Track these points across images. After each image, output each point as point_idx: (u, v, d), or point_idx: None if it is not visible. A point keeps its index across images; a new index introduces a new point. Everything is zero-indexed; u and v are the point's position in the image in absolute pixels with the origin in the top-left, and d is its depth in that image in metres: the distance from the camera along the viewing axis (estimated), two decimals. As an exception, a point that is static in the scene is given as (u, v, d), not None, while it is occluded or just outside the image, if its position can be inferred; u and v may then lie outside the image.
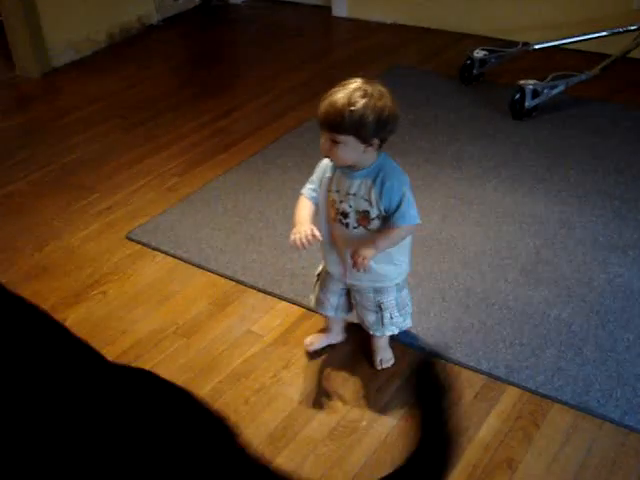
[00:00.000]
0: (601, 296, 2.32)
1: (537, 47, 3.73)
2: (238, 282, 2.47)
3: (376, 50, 4.36)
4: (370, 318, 2.02)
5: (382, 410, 1.97)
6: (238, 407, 2.00)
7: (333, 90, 1.77)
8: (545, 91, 3.36)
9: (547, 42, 3.74)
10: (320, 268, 2.10)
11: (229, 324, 2.30)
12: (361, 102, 1.73)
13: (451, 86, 3.79)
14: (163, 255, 2.63)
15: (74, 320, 2.33)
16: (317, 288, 2.10)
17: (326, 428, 1.93)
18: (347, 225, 1.88)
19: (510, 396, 1.98)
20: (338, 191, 1.87)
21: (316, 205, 1.94)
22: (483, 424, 1.91)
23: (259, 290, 2.43)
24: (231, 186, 3.01)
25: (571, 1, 4.08)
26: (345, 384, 2.06)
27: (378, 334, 2.05)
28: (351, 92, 1.74)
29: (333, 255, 1.98)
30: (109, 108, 3.80)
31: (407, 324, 2.06)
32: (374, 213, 1.84)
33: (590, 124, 3.36)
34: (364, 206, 1.84)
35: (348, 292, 2.05)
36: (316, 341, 2.19)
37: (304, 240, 1.82)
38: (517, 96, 3.36)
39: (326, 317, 2.17)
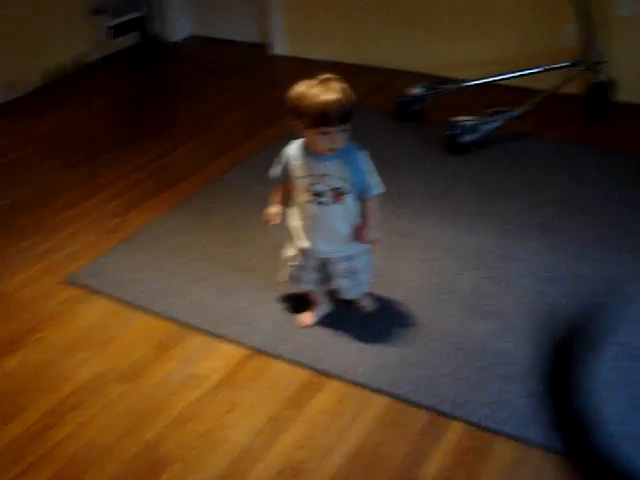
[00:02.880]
0: (543, 328, 2.36)
1: (472, 84, 3.83)
2: (181, 324, 2.44)
3: (315, 88, 4.39)
4: (344, 285, 2.30)
5: (328, 450, 1.95)
6: (184, 452, 1.97)
7: (319, 87, 2.02)
8: (481, 127, 3.44)
9: (481, 79, 3.85)
10: (290, 252, 2.31)
11: (172, 367, 2.26)
12: (351, 93, 2.06)
13: (390, 123, 3.85)
14: (104, 298, 2.58)
15: (9, 368, 2.27)
16: (291, 269, 2.32)
17: (273, 471, 1.90)
18: (324, 203, 2.14)
19: (455, 431, 1.99)
20: (311, 175, 2.13)
21: (283, 182, 2.24)
22: (428, 460, 1.91)
23: (202, 332, 2.40)
24: (172, 226, 2.99)
25: (502, 39, 4.20)
26: (291, 424, 2.04)
27: (354, 296, 2.37)
28: (343, 86, 2.05)
29: (310, 232, 2.21)
30: (47, 148, 3.75)
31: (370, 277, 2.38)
32: (347, 189, 2.13)
33: (525, 158, 3.45)
34: (338, 184, 2.12)
35: (321, 266, 2.29)
36: (308, 318, 2.38)
37: (269, 219, 2.29)
38: (454, 132, 3.42)
39: (308, 293, 2.39)
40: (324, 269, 2.30)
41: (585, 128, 3.78)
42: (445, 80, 3.94)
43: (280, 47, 4.97)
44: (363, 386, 2.14)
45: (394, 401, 2.09)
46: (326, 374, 2.19)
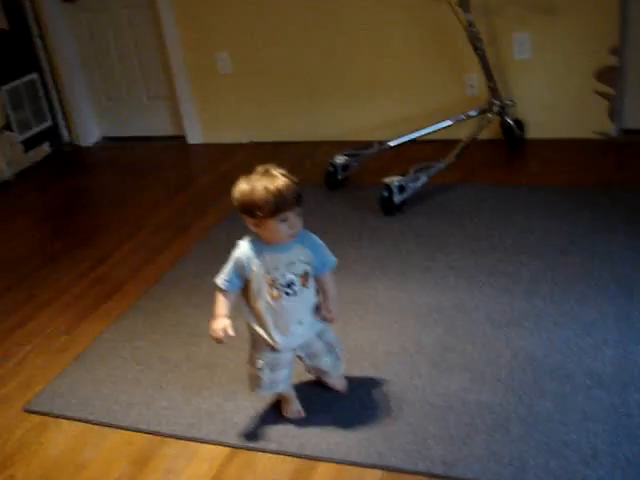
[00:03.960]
0: (511, 371, 2.40)
1: (392, 144, 3.94)
2: (154, 434, 2.37)
3: (239, 171, 4.30)
4: (327, 361, 2.28)
5: (333, 537, 1.92)
6: None
7: (264, 178, 2.03)
8: (410, 185, 3.53)
9: (400, 138, 3.97)
10: (261, 361, 2.21)
11: (155, 481, 2.19)
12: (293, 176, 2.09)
13: (319, 194, 3.91)
14: (69, 421, 2.49)
15: (-15, 515, 2.15)
16: (265, 375, 2.22)
17: None
18: (295, 292, 2.11)
19: (454, 492, 1.99)
20: (277, 268, 2.08)
21: (234, 293, 2.14)
22: (435, 527, 1.89)
23: (178, 438, 2.34)
24: (124, 334, 2.92)
25: (414, 97, 4.36)
26: (289, 518, 1.99)
27: (339, 373, 2.35)
28: (283, 171, 2.07)
29: (280, 328, 2.14)
30: (-23, 273, 3.64)
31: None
32: (310, 271, 2.12)
33: (456, 207, 3.55)
34: (304, 268, 2.11)
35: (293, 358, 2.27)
36: (296, 412, 2.32)
37: (220, 335, 2.11)
38: (385, 193, 3.50)
39: (281, 396, 2.33)
40: (307, 355, 2.27)
41: (506, 169, 3.94)
42: (365, 144, 4.04)
43: (195, 136, 5.02)
44: (354, 464, 2.12)
45: (388, 473, 2.07)
46: (314, 459, 2.16)
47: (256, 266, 2.09)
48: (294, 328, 2.17)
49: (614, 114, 4.06)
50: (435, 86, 4.30)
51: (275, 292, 2.10)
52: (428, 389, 2.37)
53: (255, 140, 4.85)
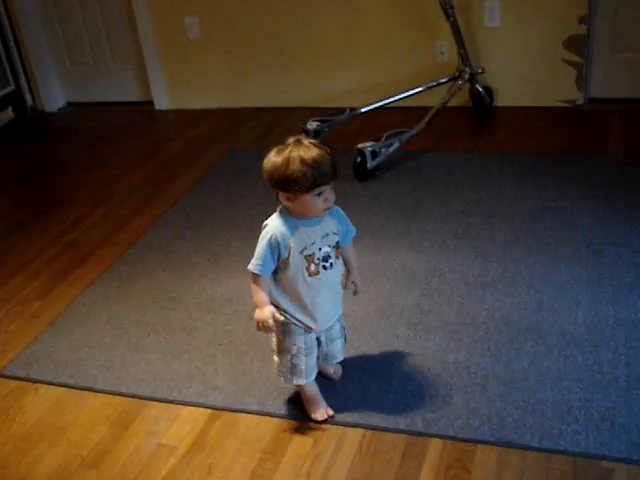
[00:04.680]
0: (487, 332, 2.45)
1: (364, 110, 3.95)
2: (134, 397, 2.37)
3: (209, 137, 4.42)
4: (338, 347, 2.20)
5: (318, 493, 1.95)
6: (171, 527, 1.91)
7: (298, 149, 1.88)
8: (382, 150, 3.55)
9: (372, 104, 3.98)
10: (296, 346, 2.09)
11: (137, 443, 2.19)
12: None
13: (291, 160, 3.90)
14: (47, 386, 2.47)
15: (-35, 478, 2.14)
16: (302, 361, 2.10)
17: (267, 526, 1.88)
18: (331, 265, 2.02)
19: (435, 448, 2.03)
20: (314, 242, 1.98)
21: (268, 277, 2.01)
22: (418, 482, 1.94)
23: (159, 400, 2.34)
24: (99, 299, 2.91)
25: (384, 64, 4.36)
26: (273, 476, 2.01)
27: (339, 360, 2.25)
28: (318, 144, 1.93)
29: (315, 307, 2.05)
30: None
31: None
32: (339, 242, 2.04)
33: (429, 173, 3.58)
34: (335, 239, 2.02)
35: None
36: (326, 412, 2.17)
37: (271, 324, 2.00)
38: (358, 159, 3.51)
39: (310, 392, 2.18)
40: (326, 338, 2.17)
41: (476, 136, 3.97)
42: (337, 110, 4.04)
43: (163, 102, 4.96)
44: (335, 423, 2.15)
45: (369, 431, 2.11)
46: (295, 418, 2.19)
47: (293, 242, 1.96)
48: (331, 303, 2.10)
49: (581, 83, 4.11)
50: (406, 53, 4.30)
51: (313, 267, 1.99)
52: (406, 350, 2.41)
53: (224, 106, 4.81)
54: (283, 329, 2.08)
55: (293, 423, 2.18)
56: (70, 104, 5.33)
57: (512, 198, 3.26)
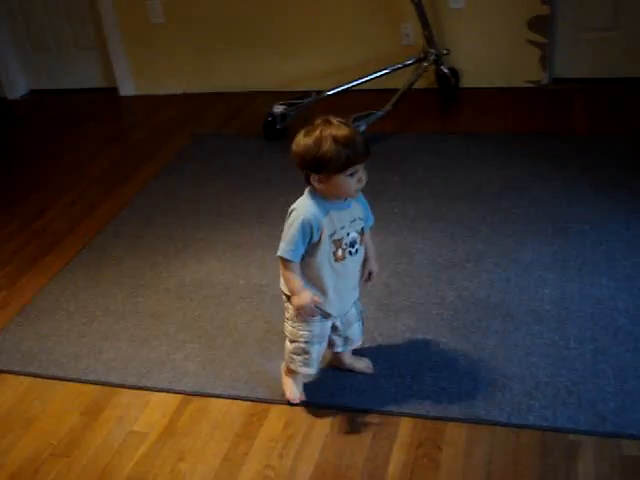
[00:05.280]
0: (456, 311, 2.47)
1: (330, 93, 3.94)
2: (104, 384, 2.36)
3: (174, 123, 4.38)
4: (357, 331, 2.16)
5: (290, 476, 1.95)
6: (144, 513, 1.91)
7: (329, 128, 1.81)
8: (349, 133, 3.54)
9: (338, 87, 3.97)
10: (309, 333, 2.05)
11: (108, 430, 2.18)
12: None
13: (258, 144, 3.89)
14: (14, 376, 2.45)
15: None
16: (314, 349, 2.07)
17: (240, 509, 1.89)
18: (357, 251, 1.99)
19: (406, 427, 2.05)
20: (343, 227, 1.93)
21: (298, 263, 1.94)
22: (389, 461, 1.95)
23: (129, 387, 2.33)
24: (67, 288, 2.88)
25: (349, 46, 4.35)
26: (246, 460, 2.01)
27: (358, 345, 2.21)
28: (347, 122, 1.87)
29: (341, 291, 2.02)
30: None
31: None
32: (363, 227, 2.00)
33: (396, 155, 3.59)
34: (361, 225, 1.99)
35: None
36: (299, 395, 2.17)
37: (312, 310, 1.95)
38: (325, 142, 3.50)
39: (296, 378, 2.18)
40: (343, 323, 2.12)
41: (442, 118, 3.99)
42: (303, 93, 4.02)
43: (128, 88, 4.91)
44: (306, 404, 2.16)
45: (340, 413, 2.12)
46: (266, 401, 2.20)
47: (325, 226, 1.90)
48: (351, 289, 2.06)
49: (545, 63, 4.14)
50: (372, 35, 4.30)
51: (340, 253, 1.95)
52: (376, 331, 2.42)
53: (190, 91, 4.77)
54: (297, 317, 2.03)
55: (265, 406, 2.19)
56: (33, 92, 5.24)
57: (478, 178, 3.29)
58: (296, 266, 1.94)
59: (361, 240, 2.00)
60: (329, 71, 4.37)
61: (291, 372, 2.17)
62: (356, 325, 2.15)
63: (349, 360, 2.24)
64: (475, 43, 4.19)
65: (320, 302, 1.96)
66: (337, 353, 2.21)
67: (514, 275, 2.61)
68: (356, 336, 2.18)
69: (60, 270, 3.00)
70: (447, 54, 4.05)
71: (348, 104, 4.00)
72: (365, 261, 2.08)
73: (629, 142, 3.48)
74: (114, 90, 4.94)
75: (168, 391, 2.29)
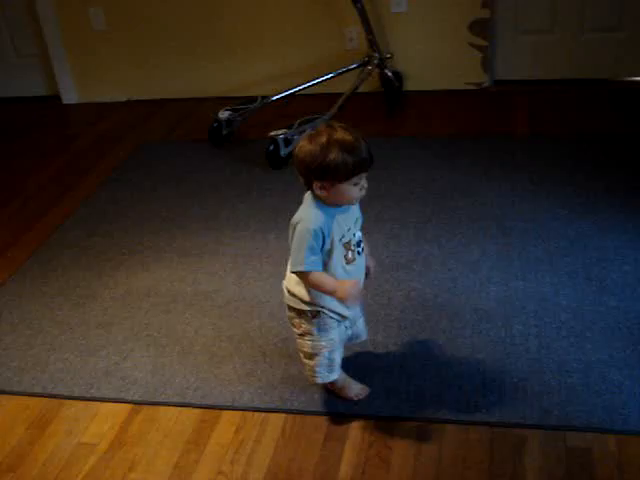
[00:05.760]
0: (404, 312, 2.50)
1: (275, 98, 3.95)
2: (52, 397, 2.32)
3: (119, 130, 4.33)
4: (362, 326, 2.18)
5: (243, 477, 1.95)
6: (94, 526, 1.89)
7: (336, 138, 1.78)
8: (295, 137, 3.55)
9: (283, 92, 3.98)
10: (332, 340, 2.02)
11: (56, 443, 2.14)
12: None
13: (205, 151, 3.88)
14: (-43, 392, 2.40)
15: None
16: (337, 354, 2.05)
17: (192, 517, 1.88)
18: (362, 250, 1.99)
19: (357, 428, 2.06)
20: (349, 229, 1.92)
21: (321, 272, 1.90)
22: (340, 463, 1.96)
23: (77, 399, 2.30)
24: (10, 300, 2.82)
25: (294, 51, 4.36)
26: (197, 467, 2.00)
27: (365, 338, 2.22)
28: (351, 129, 1.84)
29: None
30: None
31: None
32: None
33: (342, 159, 3.60)
34: (361, 222, 2.00)
35: None
36: (363, 389, 2.16)
37: (359, 293, 1.92)
38: (271, 147, 3.51)
39: (341, 382, 2.14)
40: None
41: (387, 121, 4.03)
42: (248, 99, 4.02)
43: (71, 96, 4.84)
44: (257, 410, 2.16)
45: (290, 416, 2.13)
46: (216, 408, 2.19)
47: (334, 231, 1.88)
48: (362, 288, 2.01)
49: (487, 65, 4.22)
50: (316, 40, 4.32)
51: (350, 255, 1.93)
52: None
53: (135, 98, 4.73)
54: (319, 327, 1.99)
55: (215, 413, 2.18)
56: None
57: (424, 180, 3.33)
58: (321, 274, 1.89)
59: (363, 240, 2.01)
60: (274, 76, 4.38)
61: (336, 388, 2.15)
62: (360, 320, 2.17)
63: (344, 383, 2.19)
64: (418, 46, 4.24)
65: (359, 284, 1.93)
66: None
67: (460, 274, 2.65)
68: (361, 331, 2.19)
69: (4, 282, 2.94)
70: (390, 58, 4.10)
71: (293, 109, 4.03)
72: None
73: (568, 142, 3.56)
74: (57, 98, 4.87)
75: (117, 401, 2.27)
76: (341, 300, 1.89)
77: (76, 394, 2.31)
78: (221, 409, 2.18)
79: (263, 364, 2.33)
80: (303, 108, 3.93)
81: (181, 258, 2.96)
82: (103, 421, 2.21)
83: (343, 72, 4.04)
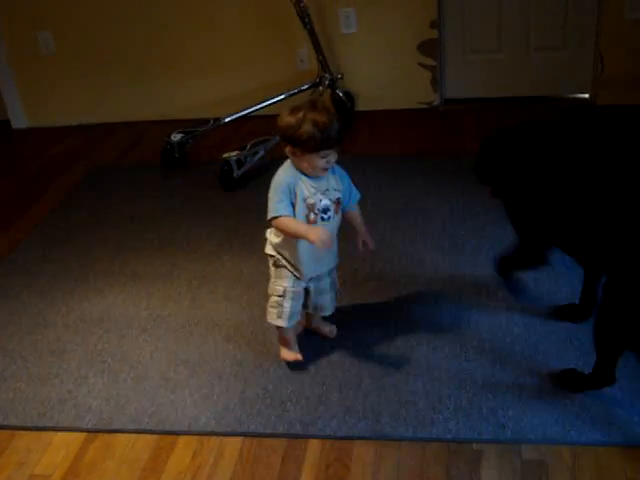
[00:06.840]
0: (359, 331, 2.50)
1: (227, 120, 3.95)
2: (2, 428, 2.27)
3: (71, 154, 4.28)
4: (326, 300, 2.37)
5: (199, 506, 1.94)
6: None
7: (312, 113, 2.06)
8: (248, 159, 3.56)
9: (235, 114, 3.98)
10: (282, 289, 2.27)
11: (7, 476, 2.10)
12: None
13: (157, 174, 3.86)
14: None
15: None
16: (288, 303, 2.28)
17: None
18: (329, 218, 2.19)
19: (314, 449, 2.06)
20: (315, 193, 2.15)
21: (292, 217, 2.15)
22: (298, 484, 1.96)
23: (29, 429, 2.26)
24: (-40, 329, 2.77)
25: (245, 73, 4.37)
26: (153, 494, 1.99)
27: (328, 313, 2.42)
28: (329, 109, 2.17)
29: (309, 254, 2.20)
30: None
31: None
32: (342, 199, 2.23)
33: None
34: (336, 195, 2.20)
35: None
36: (293, 355, 2.35)
37: (329, 237, 2.11)
38: (224, 169, 3.51)
39: (287, 335, 2.36)
40: (315, 290, 2.34)
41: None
42: (200, 121, 4.01)
43: (20, 121, 4.78)
44: (214, 434, 2.14)
45: (248, 439, 2.12)
46: (174, 433, 2.17)
47: (299, 189, 2.14)
48: (324, 254, 2.20)
49: (436, 84, 4.28)
50: (267, 61, 4.34)
51: (312, 217, 2.16)
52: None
53: (86, 122, 4.68)
54: (276, 272, 2.28)
55: (172, 438, 2.16)
56: None
57: (375, 199, 3.34)
58: (291, 218, 2.14)
59: (336, 210, 2.21)
60: (226, 98, 4.38)
61: (280, 335, 2.37)
62: (327, 296, 2.37)
63: (316, 323, 2.48)
64: (368, 67, 4.29)
65: (329, 232, 2.14)
66: (307, 313, 2.44)
67: (414, 291, 2.67)
68: (326, 306, 2.39)
69: (-48, 311, 2.88)
70: (341, 78, 4.14)
71: (246, 130, 4.04)
72: (357, 234, 2.35)
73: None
74: (6, 123, 4.80)
75: (71, 430, 2.23)
76: (312, 242, 2.08)
77: (28, 424, 2.27)
78: (177, 434, 2.16)
79: (219, 387, 2.32)
80: (256, 129, 3.94)
81: (135, 282, 2.93)
82: (56, 451, 2.17)
83: (295, 93, 4.06)
